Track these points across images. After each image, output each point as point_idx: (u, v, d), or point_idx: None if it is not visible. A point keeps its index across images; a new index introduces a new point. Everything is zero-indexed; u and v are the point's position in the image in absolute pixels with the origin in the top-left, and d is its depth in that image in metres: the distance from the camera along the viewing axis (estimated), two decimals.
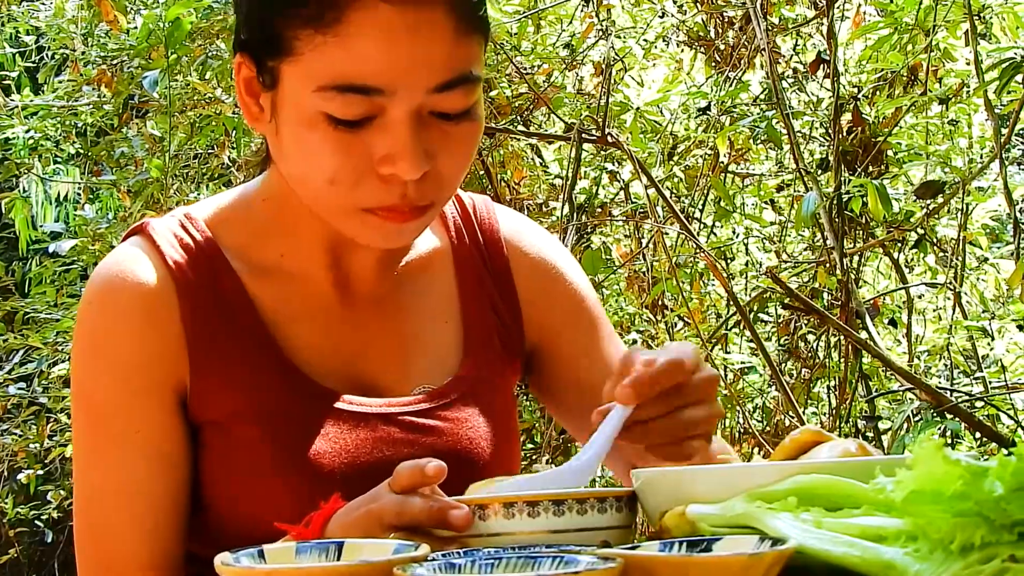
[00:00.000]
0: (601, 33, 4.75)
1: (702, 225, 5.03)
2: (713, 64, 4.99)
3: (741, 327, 4.85)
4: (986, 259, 5.06)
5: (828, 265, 4.38)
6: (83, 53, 5.53)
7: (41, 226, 7.14)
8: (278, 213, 1.70)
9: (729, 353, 4.89)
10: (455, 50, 1.51)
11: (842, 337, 4.32)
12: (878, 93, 4.51)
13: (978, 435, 4.14)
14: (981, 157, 4.68)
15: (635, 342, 4.68)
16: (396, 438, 1.67)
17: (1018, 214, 3.94)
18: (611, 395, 1.46)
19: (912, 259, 4.97)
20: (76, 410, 1.67)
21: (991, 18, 4.44)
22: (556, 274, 1.87)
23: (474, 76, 1.53)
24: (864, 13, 4.82)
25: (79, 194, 6.69)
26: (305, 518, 1.41)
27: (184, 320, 1.63)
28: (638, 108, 4.71)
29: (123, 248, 1.68)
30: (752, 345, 4.87)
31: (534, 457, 4.71)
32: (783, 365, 4.70)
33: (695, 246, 4.45)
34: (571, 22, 5.04)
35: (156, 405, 1.62)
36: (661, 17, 5.07)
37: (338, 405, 1.66)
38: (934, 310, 5.20)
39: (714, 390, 1.50)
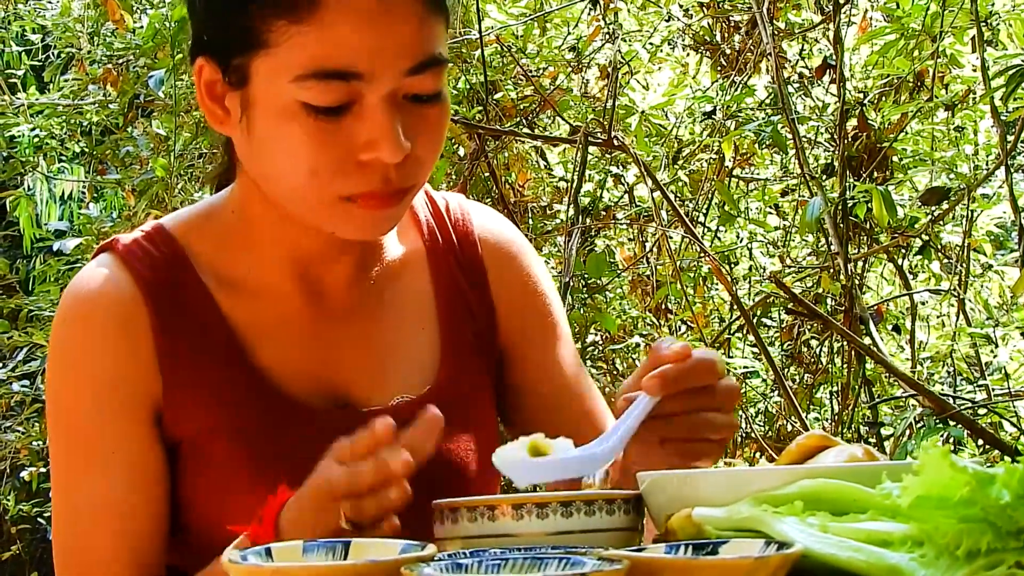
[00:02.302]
0: (607, 36, 4.76)
1: (706, 229, 5.04)
2: (719, 68, 4.99)
3: (744, 331, 4.86)
4: (990, 266, 5.06)
5: (832, 270, 4.38)
6: (89, 52, 5.54)
7: (45, 224, 7.14)
8: (243, 226, 1.68)
9: (732, 357, 4.88)
10: (426, 32, 1.53)
11: (845, 343, 4.31)
12: (884, 99, 4.51)
13: (981, 442, 4.14)
14: (987, 164, 4.68)
15: (638, 346, 4.69)
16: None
17: (1023, 221, 3.93)
18: (637, 384, 1.47)
19: (916, 265, 4.97)
20: (53, 430, 1.66)
21: (998, 24, 4.44)
22: (528, 277, 1.86)
23: (443, 57, 1.55)
24: (871, 19, 4.82)
25: (84, 193, 6.70)
26: (256, 514, 1.41)
27: (156, 336, 1.62)
28: (643, 112, 4.71)
29: (93, 266, 1.68)
30: (755, 350, 4.88)
31: None
32: (786, 370, 4.70)
33: (699, 250, 4.45)
34: (577, 25, 5.05)
35: (133, 422, 1.61)
36: (667, 21, 5.07)
37: (314, 420, 1.63)
38: (938, 317, 5.20)
39: (735, 401, 1.51)
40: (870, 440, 4.39)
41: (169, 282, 1.65)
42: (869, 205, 4.07)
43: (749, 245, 5.15)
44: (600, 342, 4.91)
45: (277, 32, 1.49)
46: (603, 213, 4.82)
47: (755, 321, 4.48)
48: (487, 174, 4.70)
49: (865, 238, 4.58)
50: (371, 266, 1.75)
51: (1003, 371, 4.62)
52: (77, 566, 1.63)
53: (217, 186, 1.78)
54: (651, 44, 5.11)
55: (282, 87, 1.50)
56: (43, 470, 5.38)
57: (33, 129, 5.65)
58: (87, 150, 5.75)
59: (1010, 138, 3.92)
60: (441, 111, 1.58)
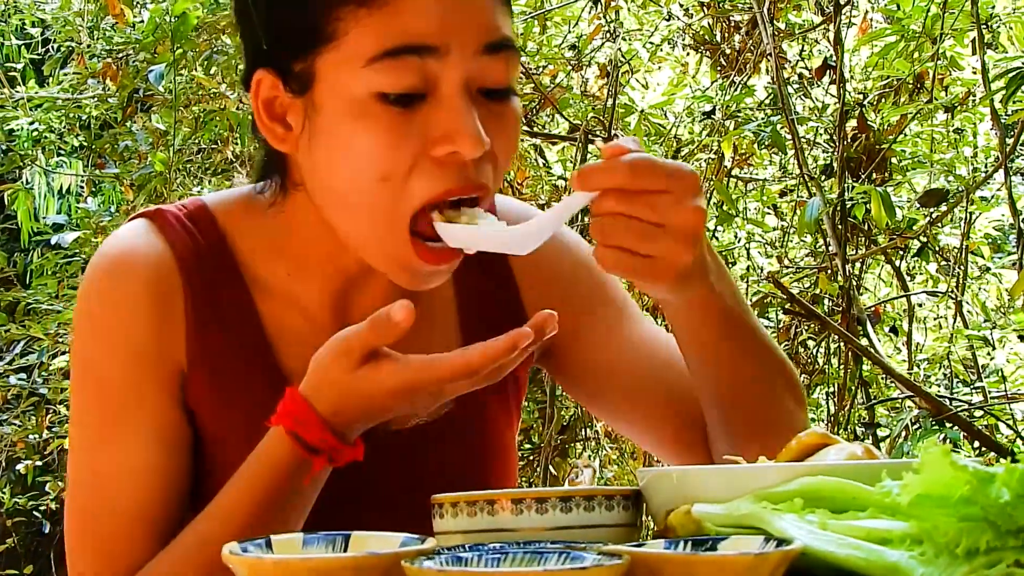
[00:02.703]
0: (608, 35, 4.76)
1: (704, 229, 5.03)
2: (719, 68, 4.99)
3: None
4: (988, 269, 5.07)
5: (830, 271, 4.38)
6: (89, 46, 5.53)
7: (44, 218, 7.14)
8: (285, 234, 1.63)
9: None
10: (500, 11, 1.49)
11: (842, 343, 4.32)
12: (883, 100, 4.52)
13: (977, 444, 4.14)
14: (986, 166, 4.69)
15: None
16: (389, 470, 1.62)
17: (1021, 224, 3.94)
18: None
19: (914, 267, 4.98)
20: (78, 390, 1.61)
21: (998, 27, 4.45)
22: (564, 267, 1.80)
23: (515, 43, 1.50)
24: (871, 20, 4.82)
25: (82, 187, 6.71)
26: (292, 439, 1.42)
27: (187, 313, 1.59)
28: (643, 111, 4.72)
29: (133, 229, 1.63)
30: None
31: (532, 458, 4.71)
32: None
33: None
34: (577, 23, 5.05)
35: (161, 387, 1.57)
36: (667, 20, 5.07)
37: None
38: (935, 318, 5.21)
39: (687, 185, 1.41)
40: (866, 441, 4.39)
41: (208, 267, 1.61)
42: (868, 206, 4.08)
43: (747, 245, 5.15)
44: None
45: (345, 21, 1.44)
46: None
47: None
48: None
49: (863, 239, 4.59)
50: (402, 292, 1.66)
51: (1000, 373, 4.63)
52: (94, 529, 1.58)
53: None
54: (651, 43, 5.11)
55: (351, 78, 1.45)
56: (39, 463, 5.39)
57: (32, 123, 5.66)
58: (86, 144, 5.74)
59: (1009, 141, 3.93)
60: (515, 111, 1.53)
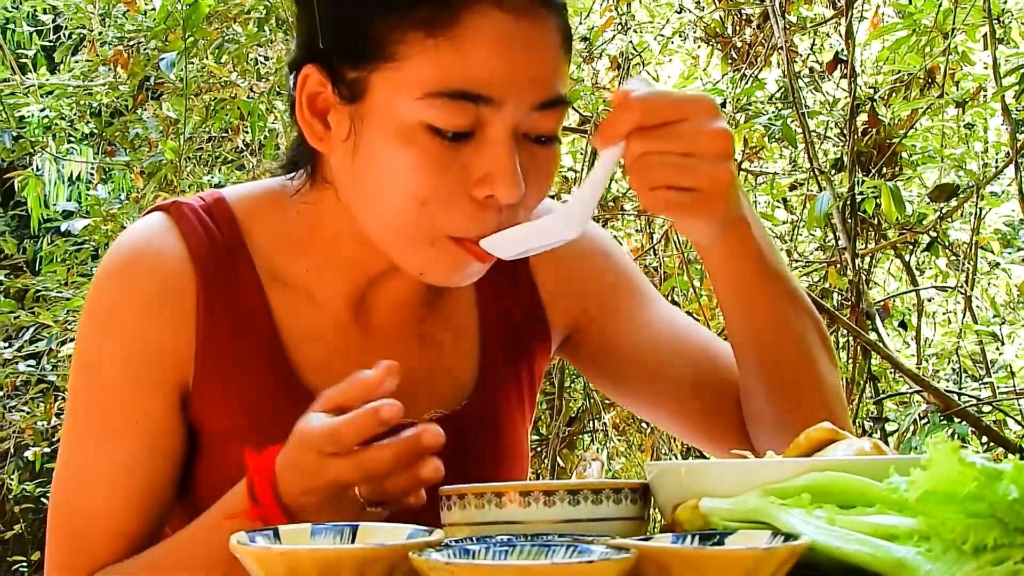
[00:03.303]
0: (619, 27, 4.75)
1: None
2: (729, 61, 4.99)
3: None
4: (998, 264, 5.06)
5: (839, 265, 4.38)
6: (100, 33, 5.54)
7: (54, 205, 7.16)
8: (308, 229, 1.63)
9: None
10: (558, 67, 1.48)
11: (851, 338, 4.31)
12: (894, 95, 4.51)
13: (985, 439, 4.14)
14: (996, 161, 4.68)
15: None
16: None
17: None
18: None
19: (924, 262, 4.97)
20: (77, 384, 1.61)
21: (1010, 22, 4.45)
22: (581, 256, 1.80)
23: (567, 99, 1.51)
24: (883, 14, 4.82)
25: (92, 174, 6.70)
26: (249, 496, 1.37)
27: (199, 315, 1.58)
28: None
29: (149, 223, 1.63)
30: None
31: (540, 449, 4.72)
32: None
33: None
34: (589, 15, 5.04)
35: (160, 393, 1.57)
36: (679, 13, 5.07)
37: None
38: (944, 313, 5.21)
39: (703, 108, 1.42)
40: (874, 436, 4.39)
41: (223, 266, 1.60)
42: (878, 201, 4.07)
43: None
44: None
45: (409, 45, 1.43)
46: (611, 204, 4.81)
47: None
48: None
49: (873, 234, 4.59)
50: (423, 292, 1.70)
51: (1008, 369, 4.63)
52: (67, 521, 1.59)
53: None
54: (662, 35, 5.10)
55: (406, 104, 1.43)
56: (47, 450, 5.40)
57: (43, 109, 5.66)
58: (96, 131, 5.75)
59: (1020, 136, 3.93)
60: (554, 155, 1.53)
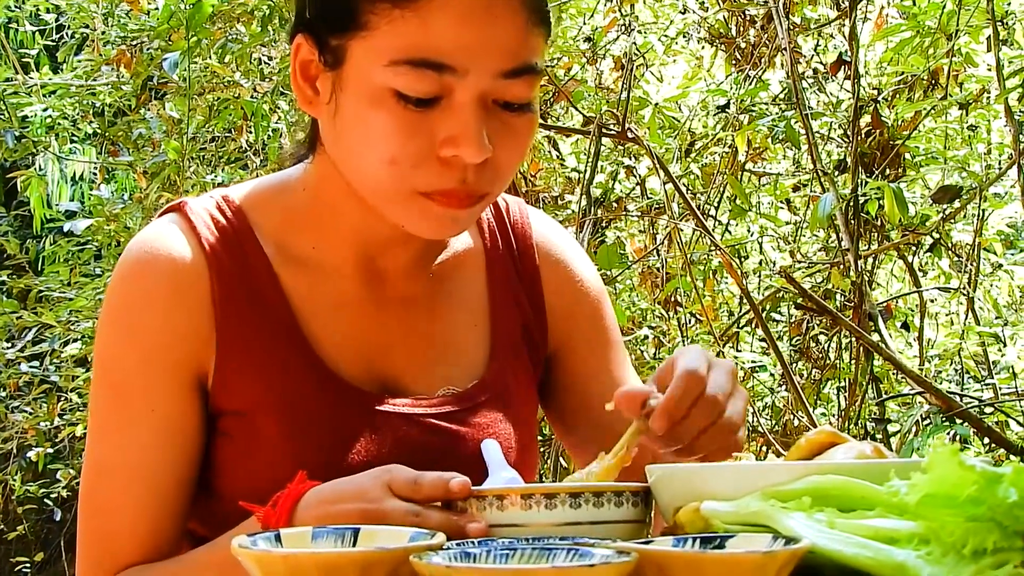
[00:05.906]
0: (623, 28, 4.75)
1: (717, 223, 5.03)
2: (733, 62, 4.99)
3: (753, 326, 4.86)
4: (1001, 265, 5.06)
5: (842, 266, 4.38)
6: (103, 33, 5.54)
7: (56, 205, 7.15)
8: (313, 204, 1.70)
9: (740, 351, 4.89)
10: (525, 38, 1.54)
11: (854, 339, 4.31)
12: (898, 96, 4.51)
13: (987, 441, 4.14)
14: (999, 163, 4.68)
15: (646, 338, 4.69)
16: (418, 440, 1.66)
17: None
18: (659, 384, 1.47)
19: (926, 263, 4.97)
20: (96, 382, 1.67)
21: (1014, 24, 4.44)
22: (582, 288, 1.89)
23: (538, 68, 1.56)
24: (886, 16, 4.81)
25: (95, 174, 6.71)
26: (272, 498, 1.43)
27: (215, 303, 1.63)
28: (657, 104, 4.71)
29: (159, 225, 1.68)
30: (764, 344, 4.88)
31: (542, 450, 4.72)
32: (794, 365, 4.70)
33: (710, 243, 4.45)
34: (592, 16, 5.04)
35: (176, 386, 1.62)
36: (683, 13, 5.07)
37: (362, 403, 1.65)
38: (947, 314, 5.21)
39: (734, 379, 1.49)
40: (876, 436, 4.39)
41: (232, 249, 1.66)
42: (881, 202, 4.07)
43: (760, 239, 5.15)
44: None
45: (378, 15, 1.51)
46: (615, 205, 4.82)
47: (764, 315, 4.48)
48: None
49: (876, 235, 4.58)
50: (432, 259, 1.78)
51: (1011, 370, 4.62)
52: (97, 520, 1.64)
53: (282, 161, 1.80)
54: (666, 36, 5.10)
55: (375, 71, 1.52)
56: (50, 451, 5.40)
57: (46, 109, 5.65)
58: (99, 131, 5.75)
59: (1023, 137, 3.92)
60: (528, 122, 1.59)
